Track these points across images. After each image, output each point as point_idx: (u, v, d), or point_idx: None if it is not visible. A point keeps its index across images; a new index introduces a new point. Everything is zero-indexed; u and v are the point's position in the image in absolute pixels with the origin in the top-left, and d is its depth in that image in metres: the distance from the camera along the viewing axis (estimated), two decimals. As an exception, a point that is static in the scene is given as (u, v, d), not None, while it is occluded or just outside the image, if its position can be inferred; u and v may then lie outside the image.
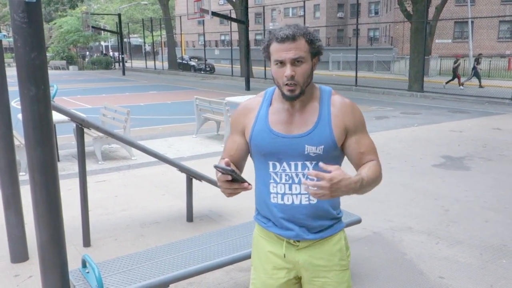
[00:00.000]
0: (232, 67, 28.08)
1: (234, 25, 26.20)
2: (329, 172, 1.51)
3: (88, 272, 2.68)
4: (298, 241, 1.81)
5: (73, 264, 3.13)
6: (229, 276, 3.51)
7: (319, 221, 1.80)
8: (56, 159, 2.46)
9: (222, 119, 8.56)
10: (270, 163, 1.78)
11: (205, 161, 7.25)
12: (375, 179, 1.72)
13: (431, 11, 21.94)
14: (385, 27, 44.11)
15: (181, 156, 7.51)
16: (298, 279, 1.89)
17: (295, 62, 1.66)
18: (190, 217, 4.65)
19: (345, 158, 1.85)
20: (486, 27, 31.61)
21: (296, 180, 1.75)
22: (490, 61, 24.99)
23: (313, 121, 1.74)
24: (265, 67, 23.74)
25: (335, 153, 1.76)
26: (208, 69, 31.97)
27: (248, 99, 1.92)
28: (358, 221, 3.56)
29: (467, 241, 4.12)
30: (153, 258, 2.94)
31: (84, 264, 2.75)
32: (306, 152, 1.72)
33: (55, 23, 42.73)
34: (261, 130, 1.77)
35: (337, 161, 1.80)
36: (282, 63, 1.67)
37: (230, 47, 30.07)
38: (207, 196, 5.30)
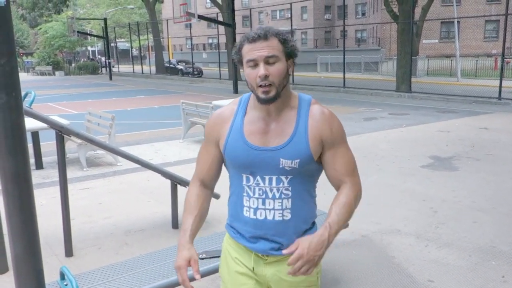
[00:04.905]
0: (220, 70, 28.01)
1: (222, 28, 26.15)
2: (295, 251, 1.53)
3: (66, 285, 2.59)
4: (267, 255, 1.76)
5: (54, 275, 3.02)
6: (215, 284, 3.43)
7: (291, 238, 1.69)
8: (29, 168, 2.37)
9: (209, 123, 8.48)
10: (244, 176, 1.71)
11: (192, 165, 7.13)
12: (348, 211, 1.65)
13: (418, 11, 22.07)
14: (372, 28, 44.34)
15: (168, 161, 7.42)
16: None
17: (268, 61, 1.59)
18: (175, 224, 4.56)
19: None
20: (472, 27, 31.93)
21: (270, 195, 1.68)
22: (477, 60, 25.19)
23: (289, 133, 1.66)
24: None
25: (311, 167, 1.69)
26: (196, 72, 31.86)
27: (223, 107, 1.84)
28: (345, 226, 3.49)
29: (456, 243, 4.09)
30: (135, 268, 2.85)
31: (62, 277, 2.65)
32: (281, 166, 1.65)
33: (40, 28, 42.37)
34: (236, 141, 1.70)
35: (313, 176, 1.75)
36: (255, 63, 1.60)
37: (217, 50, 29.99)
38: (194, 201, 5.21)
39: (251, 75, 1.62)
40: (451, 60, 25.46)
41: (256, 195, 1.70)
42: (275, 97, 1.62)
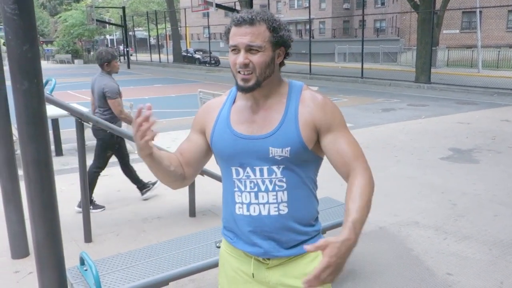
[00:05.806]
0: (237, 59, 27.87)
1: (239, 17, 26.01)
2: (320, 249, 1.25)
3: (86, 270, 2.62)
4: (268, 258, 1.60)
5: (73, 261, 3.07)
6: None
7: (291, 235, 1.57)
8: (50, 154, 2.39)
9: (226, 112, 8.48)
10: (233, 168, 1.58)
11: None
12: (368, 204, 1.41)
13: (439, 1, 21.65)
14: (392, 18, 43.67)
15: (185, 149, 7.43)
16: None
17: (250, 49, 1.47)
18: (192, 212, 4.59)
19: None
20: (495, 17, 31.16)
21: (263, 188, 1.54)
22: (499, 51, 24.67)
23: (278, 119, 1.52)
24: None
25: (305, 156, 1.53)
26: (213, 62, 31.82)
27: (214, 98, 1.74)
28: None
29: (475, 236, 4.03)
30: (154, 255, 2.87)
31: (82, 262, 2.69)
32: (271, 155, 1.51)
33: (60, 17, 42.76)
34: (222, 131, 1.59)
35: (311, 167, 1.59)
36: (236, 48, 1.49)
37: (235, 40, 29.85)
38: (210, 190, 5.23)
39: (232, 61, 1.51)
40: (472, 50, 24.99)
41: (248, 189, 1.56)
42: (254, 86, 1.50)
